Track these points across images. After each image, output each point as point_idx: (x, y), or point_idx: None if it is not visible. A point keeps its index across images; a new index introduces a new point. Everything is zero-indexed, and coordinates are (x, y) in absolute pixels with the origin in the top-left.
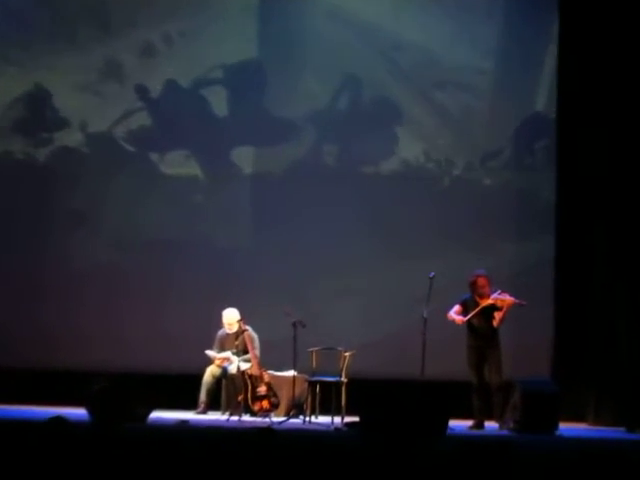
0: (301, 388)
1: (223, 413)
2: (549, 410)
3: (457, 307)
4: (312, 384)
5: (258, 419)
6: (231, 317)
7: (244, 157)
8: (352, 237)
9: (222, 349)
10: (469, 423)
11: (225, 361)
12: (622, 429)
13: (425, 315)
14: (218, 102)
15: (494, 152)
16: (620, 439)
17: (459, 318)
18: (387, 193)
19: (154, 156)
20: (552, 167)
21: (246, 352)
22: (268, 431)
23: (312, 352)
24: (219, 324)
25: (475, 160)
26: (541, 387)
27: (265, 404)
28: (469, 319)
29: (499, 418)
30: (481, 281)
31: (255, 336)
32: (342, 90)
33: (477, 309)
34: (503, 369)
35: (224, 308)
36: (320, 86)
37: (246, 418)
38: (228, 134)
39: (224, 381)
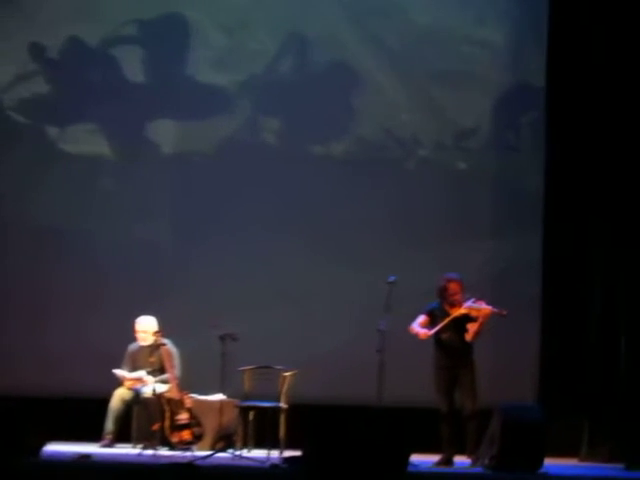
0: (230, 415)
1: (134, 446)
2: (533, 443)
3: (422, 318)
4: (244, 410)
5: (177, 453)
6: (146, 326)
7: (163, 133)
8: (296, 233)
9: (134, 367)
10: (436, 458)
11: (137, 382)
12: (620, 466)
13: (382, 328)
14: (132, 65)
15: (470, 129)
16: (618, 479)
17: (423, 331)
18: (340, 179)
19: (52, 130)
20: (540, 148)
21: (163, 371)
22: (189, 468)
23: (244, 372)
24: (130, 336)
25: (447, 139)
26: (524, 415)
27: (186, 435)
28: (437, 332)
29: (472, 452)
30: (452, 286)
31: (175, 352)
32: (285, 51)
33: (447, 320)
34: (478, 393)
35: (137, 317)
36: (258, 46)
37: (163, 452)
38: (144, 105)
39: (136, 407)
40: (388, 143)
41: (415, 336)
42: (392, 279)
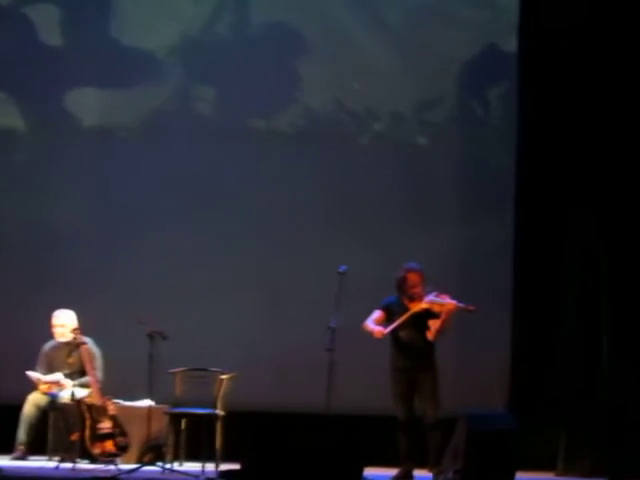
0: (160, 424)
1: (50, 458)
2: (503, 455)
3: (378, 314)
4: (175, 418)
5: (99, 466)
6: (64, 319)
7: (84, 103)
8: (234, 216)
9: (50, 369)
10: (393, 472)
11: (54, 386)
12: None
13: (333, 325)
14: (48, 27)
15: (432, 100)
16: None
17: (378, 329)
18: (283, 156)
19: None
20: (511, 122)
21: (83, 374)
22: None
23: (175, 374)
24: (46, 334)
25: (406, 111)
26: (492, 423)
27: (109, 446)
28: (394, 330)
29: (434, 466)
30: (412, 278)
31: (96, 352)
32: (221, 11)
33: (405, 316)
34: (440, 399)
35: (53, 312)
36: (191, 5)
37: (83, 465)
38: (61, 72)
39: (52, 414)
40: (339, 116)
41: (370, 335)
42: (343, 269)
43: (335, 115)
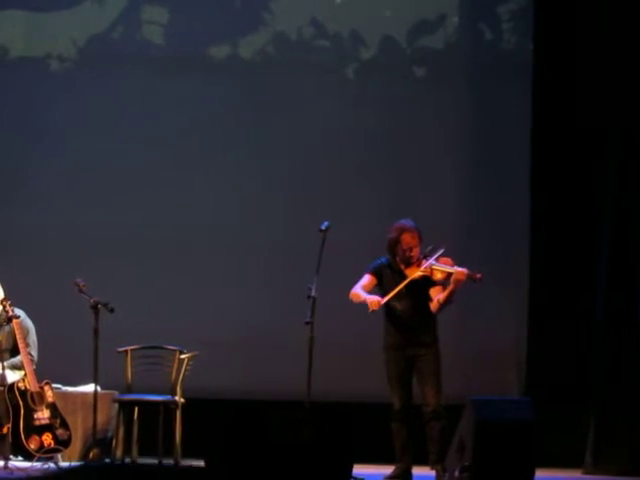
0: (107, 413)
1: None
2: (519, 449)
3: (367, 279)
4: (125, 407)
5: (36, 464)
6: None
7: (8, 30)
8: (190, 161)
9: None
10: (388, 471)
11: None
12: None
13: (313, 294)
14: None
15: (431, 21)
16: None
17: (374, 298)
18: (250, 90)
19: None
20: (526, 46)
21: (15, 353)
22: None
23: (125, 354)
24: None
25: (399, 34)
26: (506, 411)
27: (47, 440)
28: (389, 301)
29: (437, 462)
30: (407, 239)
31: (31, 326)
32: None
33: (402, 284)
34: (443, 383)
35: None
36: None
37: (16, 463)
38: None
39: None
40: (318, 42)
41: (359, 304)
42: (325, 226)
43: (312, 41)
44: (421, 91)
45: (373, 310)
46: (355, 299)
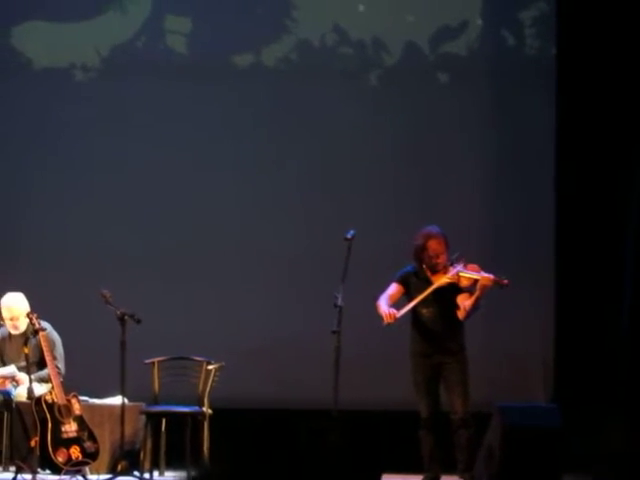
0: (135, 425)
1: (5, 468)
2: (548, 457)
3: (394, 288)
4: (153, 418)
5: (64, 477)
6: (14, 306)
7: (33, 41)
8: (217, 173)
9: (2, 362)
10: None
11: (7, 382)
12: None
13: (340, 303)
14: None
15: (454, 27)
16: None
17: (388, 312)
18: (274, 98)
19: None
20: (549, 51)
21: (42, 366)
22: None
23: (152, 365)
24: None
25: (421, 40)
26: (533, 419)
27: (75, 452)
28: (414, 308)
29: (465, 471)
30: (434, 245)
31: (57, 339)
32: None
33: (427, 291)
34: (471, 391)
35: (3, 292)
36: None
37: (44, 476)
38: (5, 2)
39: (6, 415)
40: (341, 48)
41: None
42: (350, 234)
43: (335, 47)
44: (444, 97)
45: (388, 323)
46: (377, 310)
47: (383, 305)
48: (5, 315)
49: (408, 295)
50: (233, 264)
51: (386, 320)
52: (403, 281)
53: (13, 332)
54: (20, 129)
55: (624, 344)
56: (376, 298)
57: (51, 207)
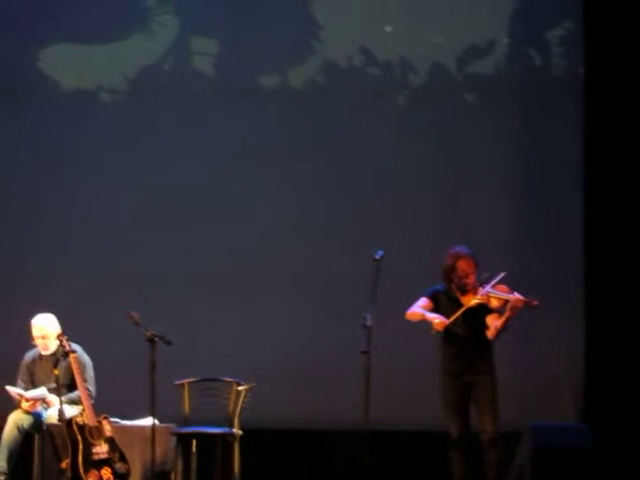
0: (165, 446)
1: None
2: (580, 477)
3: (425, 301)
4: (183, 439)
5: None
6: (45, 327)
7: (61, 62)
8: (244, 195)
9: (33, 383)
10: None
11: (38, 403)
12: None
13: (369, 323)
14: None
15: (481, 46)
16: None
17: (439, 318)
18: (302, 119)
19: None
20: (576, 70)
21: (73, 388)
22: None
23: (183, 387)
24: (27, 341)
25: (448, 60)
26: (563, 438)
27: (106, 474)
28: (446, 327)
29: None
30: (463, 266)
31: (88, 361)
32: None
33: (460, 311)
34: (501, 410)
35: (28, 315)
36: None
37: None
38: (32, 25)
39: (37, 437)
40: (368, 69)
41: (417, 323)
42: (379, 255)
43: (363, 68)
44: (471, 116)
45: (437, 331)
46: (414, 317)
47: (427, 312)
48: (36, 334)
49: (437, 313)
50: (262, 285)
51: (437, 328)
52: (433, 298)
53: (44, 352)
54: (48, 150)
55: None
56: (404, 318)
57: (81, 229)
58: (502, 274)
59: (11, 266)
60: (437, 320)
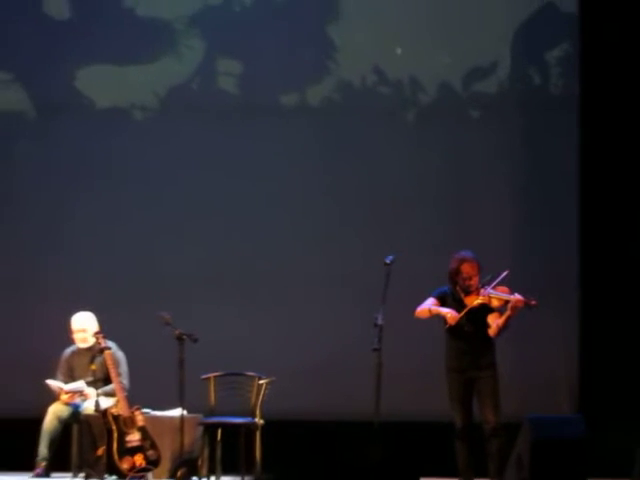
0: (193, 435)
1: (74, 475)
2: (573, 465)
3: (433, 301)
4: (210, 429)
5: None
6: (84, 323)
7: (96, 82)
8: (265, 207)
9: (71, 377)
10: None
11: (76, 396)
12: None
13: (380, 322)
14: None
15: (485, 67)
16: None
17: (452, 313)
18: (319, 134)
19: None
20: (573, 89)
21: (108, 381)
22: None
23: (209, 380)
24: (63, 340)
25: (455, 80)
26: (560, 429)
27: (139, 460)
28: (452, 325)
29: (495, 477)
30: (466, 269)
31: (121, 357)
32: None
33: (464, 311)
34: (501, 403)
35: (66, 315)
36: None
37: None
38: (70, 46)
39: (75, 426)
40: (379, 88)
41: (424, 318)
42: (390, 259)
43: (375, 87)
44: (476, 132)
45: (450, 325)
46: (424, 314)
47: (440, 308)
48: (76, 327)
49: None
50: (283, 287)
51: (450, 321)
52: (440, 298)
53: (82, 345)
54: (84, 165)
55: None
56: (412, 318)
57: (116, 236)
58: (505, 272)
59: (48, 269)
60: (450, 314)
